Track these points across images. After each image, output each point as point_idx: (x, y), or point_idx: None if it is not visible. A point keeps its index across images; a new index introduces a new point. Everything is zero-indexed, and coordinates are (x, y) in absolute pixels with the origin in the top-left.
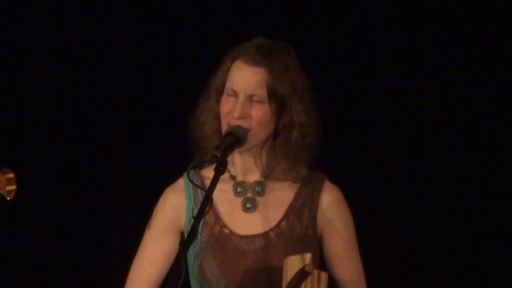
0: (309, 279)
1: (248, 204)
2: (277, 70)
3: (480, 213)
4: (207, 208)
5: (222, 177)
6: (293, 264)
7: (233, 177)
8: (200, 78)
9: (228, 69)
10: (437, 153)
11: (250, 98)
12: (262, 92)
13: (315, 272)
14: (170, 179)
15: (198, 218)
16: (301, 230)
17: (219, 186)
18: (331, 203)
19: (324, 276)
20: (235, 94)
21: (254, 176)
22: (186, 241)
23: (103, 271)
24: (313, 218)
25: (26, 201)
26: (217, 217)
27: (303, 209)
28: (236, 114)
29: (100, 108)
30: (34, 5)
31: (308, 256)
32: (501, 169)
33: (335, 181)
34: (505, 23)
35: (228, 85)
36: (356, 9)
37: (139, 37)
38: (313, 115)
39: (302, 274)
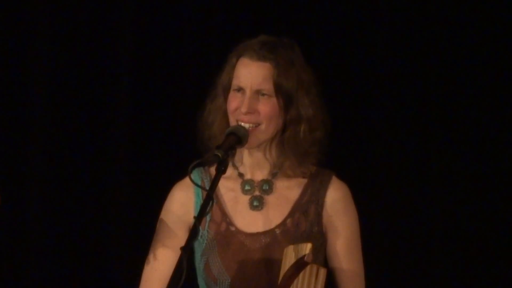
0: (307, 273)
1: (256, 202)
2: (283, 64)
3: (483, 215)
4: (207, 208)
5: (230, 174)
6: (292, 254)
7: (241, 175)
8: (201, 78)
9: (234, 66)
10: (441, 152)
11: (257, 93)
12: (268, 87)
13: (314, 267)
14: (173, 178)
15: (198, 217)
16: (306, 227)
17: (227, 184)
18: (336, 200)
19: (322, 271)
20: (242, 91)
21: (262, 173)
22: (187, 240)
23: (105, 272)
24: (319, 215)
25: (27, 202)
26: (224, 215)
27: (309, 206)
28: (243, 109)
29: (101, 108)
30: (36, 5)
31: (308, 246)
32: (502, 169)
33: (342, 178)
34: (505, 23)
35: (235, 82)
36: (362, 5)
37: (140, 37)
38: (320, 109)
39: (301, 264)
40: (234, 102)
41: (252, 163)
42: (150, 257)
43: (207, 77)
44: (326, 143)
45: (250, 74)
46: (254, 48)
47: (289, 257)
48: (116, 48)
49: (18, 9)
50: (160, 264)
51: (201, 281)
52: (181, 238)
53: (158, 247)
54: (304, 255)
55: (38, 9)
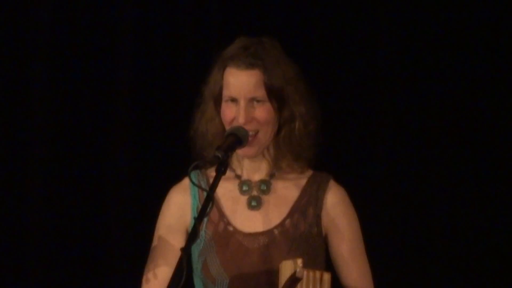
0: (311, 280)
1: (253, 202)
2: (270, 67)
3: (483, 215)
4: (208, 208)
5: (227, 175)
6: (286, 269)
7: (238, 176)
8: (201, 78)
9: (222, 76)
10: (440, 153)
11: (251, 101)
12: (261, 93)
13: (318, 272)
14: (173, 179)
15: (199, 218)
16: (305, 228)
17: (225, 185)
18: (335, 203)
19: (327, 277)
20: (235, 101)
21: (260, 174)
22: (187, 241)
23: (105, 273)
24: (318, 217)
25: (28, 202)
26: (222, 215)
27: (308, 207)
28: (241, 120)
29: (102, 109)
30: (35, 5)
31: (298, 261)
32: (502, 169)
33: (338, 181)
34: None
35: (226, 93)
36: (357, 5)
37: (140, 37)
38: (310, 102)
39: (294, 280)
40: (229, 113)
41: (250, 165)
42: (150, 260)
43: (206, 79)
44: (319, 134)
45: (241, 83)
46: (239, 56)
47: (284, 272)
48: (116, 48)
49: (18, 9)
50: (160, 267)
51: (198, 282)
52: (179, 240)
53: (158, 250)
54: (295, 271)
55: (38, 9)
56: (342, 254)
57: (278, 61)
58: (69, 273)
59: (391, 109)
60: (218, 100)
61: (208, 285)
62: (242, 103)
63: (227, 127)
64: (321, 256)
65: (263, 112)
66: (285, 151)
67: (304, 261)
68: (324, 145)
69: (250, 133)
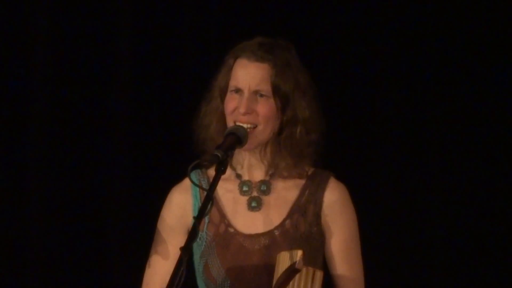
0: (303, 276)
1: (254, 203)
2: (280, 66)
3: (482, 215)
4: (207, 208)
5: (228, 176)
6: (284, 260)
7: (238, 176)
8: (201, 77)
9: (231, 68)
10: (441, 153)
11: (255, 94)
12: (266, 88)
13: (310, 270)
14: (173, 179)
15: (198, 217)
16: (305, 228)
17: (225, 185)
18: (334, 200)
19: (319, 274)
20: (240, 91)
21: (260, 174)
22: (186, 241)
23: (105, 274)
24: (317, 216)
25: (27, 205)
26: (223, 216)
27: (308, 206)
28: (242, 109)
29: (102, 108)
30: (35, 5)
31: (298, 253)
32: (501, 169)
33: (341, 179)
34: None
35: (232, 83)
36: (360, 6)
37: (139, 36)
38: (316, 111)
39: (292, 271)
40: (232, 103)
41: (248, 164)
42: (151, 260)
43: (205, 79)
44: (321, 144)
45: (248, 74)
46: (252, 49)
47: (282, 263)
48: (116, 48)
49: (18, 9)
50: (161, 267)
51: (200, 283)
52: (180, 240)
53: (158, 250)
54: (295, 262)
55: (38, 9)
56: (335, 252)
57: (289, 63)
58: (69, 273)
59: (393, 108)
60: (224, 91)
61: (210, 286)
62: (246, 93)
63: (229, 118)
64: (320, 257)
65: (265, 106)
66: (285, 154)
67: (303, 253)
68: (326, 144)
69: (249, 125)
